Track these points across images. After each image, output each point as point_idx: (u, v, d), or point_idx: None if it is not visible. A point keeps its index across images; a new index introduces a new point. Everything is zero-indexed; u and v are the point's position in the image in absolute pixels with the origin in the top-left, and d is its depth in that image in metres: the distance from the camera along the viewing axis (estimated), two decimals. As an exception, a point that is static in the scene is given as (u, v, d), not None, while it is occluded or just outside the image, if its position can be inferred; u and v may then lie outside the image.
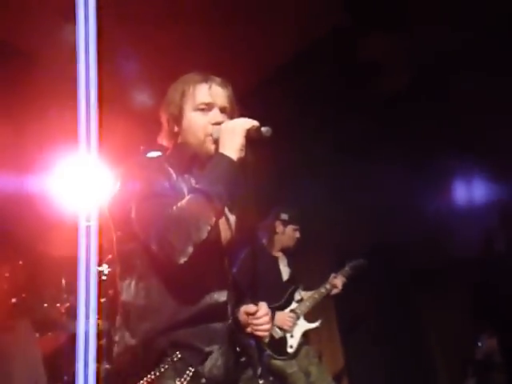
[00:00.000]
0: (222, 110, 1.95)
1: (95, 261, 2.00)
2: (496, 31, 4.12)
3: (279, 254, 4.29)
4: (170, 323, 1.76)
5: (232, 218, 2.04)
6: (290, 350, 3.96)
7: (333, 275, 4.21)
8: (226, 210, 2.01)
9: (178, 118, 1.95)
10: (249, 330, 1.94)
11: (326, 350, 5.37)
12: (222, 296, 1.86)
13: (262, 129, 1.79)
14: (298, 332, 4.04)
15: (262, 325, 1.90)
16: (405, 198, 4.85)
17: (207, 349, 1.77)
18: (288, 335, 4.00)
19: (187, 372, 1.72)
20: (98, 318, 3.90)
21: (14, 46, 4.41)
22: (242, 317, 1.97)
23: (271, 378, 3.73)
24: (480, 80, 4.32)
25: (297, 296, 4.17)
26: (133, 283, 1.82)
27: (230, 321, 1.88)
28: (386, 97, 4.84)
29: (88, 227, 2.08)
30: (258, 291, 4.00)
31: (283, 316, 4.00)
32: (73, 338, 3.92)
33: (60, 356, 4.10)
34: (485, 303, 5.05)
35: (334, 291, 4.17)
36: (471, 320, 5.22)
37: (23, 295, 4.17)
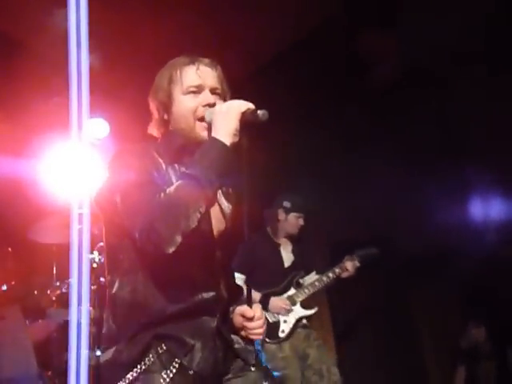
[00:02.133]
0: (213, 91, 1.87)
1: (87, 248, 2.00)
2: (495, 24, 4.13)
3: (283, 241, 4.36)
4: (157, 318, 1.73)
5: (227, 208, 1.96)
6: (281, 335, 4.02)
7: (345, 259, 4.25)
8: (222, 199, 1.95)
9: (167, 105, 1.87)
10: (243, 333, 1.87)
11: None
12: (211, 291, 1.82)
13: (259, 112, 1.71)
14: (292, 318, 4.09)
15: (256, 328, 1.82)
16: (400, 191, 4.88)
17: (193, 341, 1.73)
18: (281, 320, 4.06)
19: (173, 364, 1.70)
20: (89, 306, 3.90)
21: (3, 33, 4.36)
22: (236, 318, 1.90)
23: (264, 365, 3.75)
24: (477, 75, 4.34)
25: (297, 282, 4.23)
26: (120, 277, 1.79)
27: (218, 315, 1.83)
28: (382, 89, 4.83)
29: (80, 214, 2.06)
30: (258, 276, 4.07)
31: (278, 302, 4.06)
32: (63, 326, 3.94)
33: (50, 343, 4.09)
34: (474, 294, 5.10)
35: (345, 274, 4.20)
36: (460, 311, 5.28)
37: (13, 282, 4.15)
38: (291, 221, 4.31)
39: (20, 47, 4.41)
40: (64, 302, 4.06)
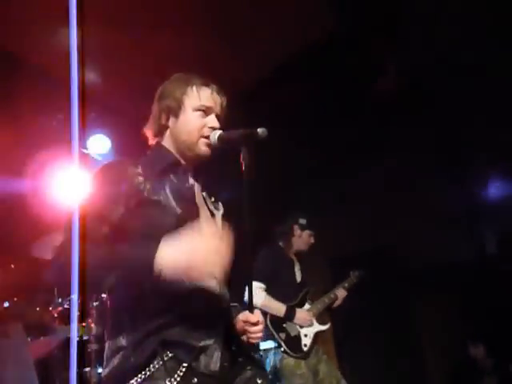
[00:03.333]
0: (217, 117, 1.99)
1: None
2: (494, 32, 4.16)
3: (294, 258, 4.40)
4: (161, 323, 1.74)
5: (218, 215, 2.03)
6: (304, 349, 4.03)
7: (342, 284, 4.38)
8: (212, 207, 2.03)
9: (175, 111, 1.97)
10: (244, 337, 1.92)
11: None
12: (213, 295, 1.85)
13: (258, 130, 1.81)
14: (311, 332, 4.12)
15: (256, 332, 1.88)
16: (403, 202, 4.88)
17: (200, 344, 1.75)
18: (302, 334, 4.07)
19: (178, 372, 1.70)
20: (91, 322, 3.89)
21: (5, 51, 4.40)
22: (238, 324, 1.94)
23: (270, 377, 3.76)
24: (477, 83, 4.36)
25: (308, 299, 4.28)
26: (117, 289, 1.82)
27: (224, 315, 1.88)
28: (384, 100, 4.86)
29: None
30: (275, 288, 4.07)
31: (304, 314, 4.09)
32: (65, 342, 3.93)
33: (52, 360, 4.07)
34: (475, 309, 5.08)
35: (336, 303, 4.32)
36: (462, 325, 5.26)
37: (15, 299, 4.14)
38: (305, 238, 4.37)
39: (22, 65, 4.44)
40: (66, 318, 4.05)
